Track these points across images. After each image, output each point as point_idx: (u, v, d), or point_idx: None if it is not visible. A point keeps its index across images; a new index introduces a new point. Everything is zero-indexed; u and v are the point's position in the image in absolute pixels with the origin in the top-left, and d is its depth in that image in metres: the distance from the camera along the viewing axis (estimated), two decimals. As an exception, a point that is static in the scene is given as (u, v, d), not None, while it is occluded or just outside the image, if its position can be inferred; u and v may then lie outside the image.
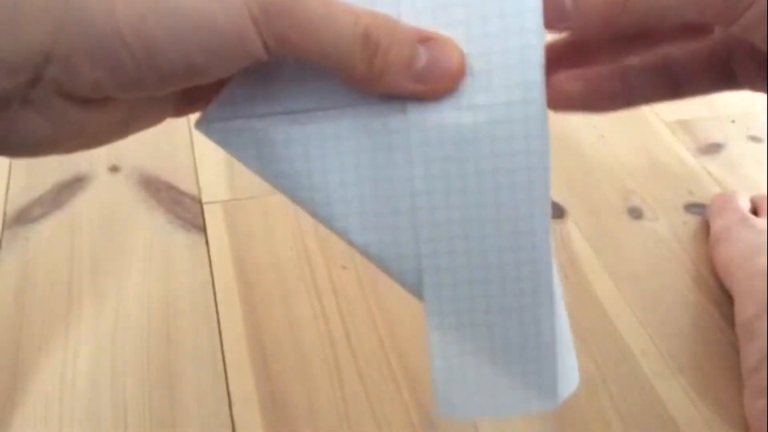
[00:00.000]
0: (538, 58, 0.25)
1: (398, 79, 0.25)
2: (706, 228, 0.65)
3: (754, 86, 0.29)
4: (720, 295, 0.59)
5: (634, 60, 0.31)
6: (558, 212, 0.67)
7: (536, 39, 0.25)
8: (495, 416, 0.27)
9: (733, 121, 0.77)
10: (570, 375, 0.29)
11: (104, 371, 0.52)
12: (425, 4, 0.25)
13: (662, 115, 0.78)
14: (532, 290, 0.27)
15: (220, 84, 0.27)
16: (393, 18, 0.25)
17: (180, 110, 0.29)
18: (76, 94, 0.22)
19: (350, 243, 0.27)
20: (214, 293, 0.57)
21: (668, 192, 0.69)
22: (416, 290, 0.28)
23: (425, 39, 0.25)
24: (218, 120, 0.26)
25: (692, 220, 0.66)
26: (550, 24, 0.25)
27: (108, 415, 0.49)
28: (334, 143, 0.26)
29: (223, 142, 0.26)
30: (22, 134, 0.23)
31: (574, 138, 0.74)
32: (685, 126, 0.76)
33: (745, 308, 0.54)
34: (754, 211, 0.63)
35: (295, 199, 0.27)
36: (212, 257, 0.60)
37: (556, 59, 0.28)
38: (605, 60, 0.30)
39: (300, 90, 0.26)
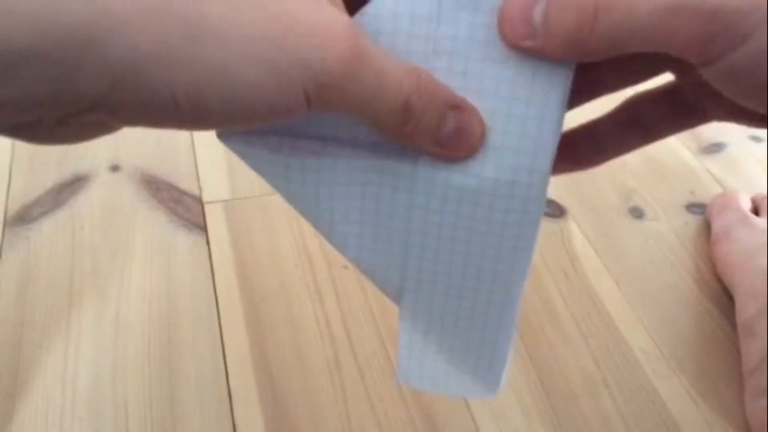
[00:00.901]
0: (550, 150, 0.26)
1: (421, 140, 0.25)
2: (707, 228, 0.65)
3: (725, 119, 0.28)
4: (721, 294, 0.59)
5: (601, 118, 0.31)
6: (559, 212, 0.67)
7: (554, 132, 0.26)
8: (443, 393, 0.33)
9: (734, 121, 0.77)
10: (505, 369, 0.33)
11: (105, 370, 0.52)
12: (460, 67, 0.25)
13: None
14: (497, 319, 0.30)
15: None
16: (434, 80, 0.25)
17: None
18: (112, 125, 0.23)
19: (343, 255, 0.30)
20: (215, 292, 0.57)
21: (669, 192, 0.69)
22: (395, 297, 0.31)
23: (455, 107, 0.25)
24: (240, 133, 0.27)
25: (693, 220, 0.66)
26: (514, 40, 0.24)
27: (109, 413, 0.49)
28: (345, 176, 0.27)
29: (242, 155, 0.28)
30: (42, 139, 0.23)
31: (575, 137, 0.74)
32: (686, 126, 0.76)
33: (746, 308, 0.54)
34: (755, 211, 0.63)
35: (299, 212, 0.29)
36: (213, 256, 0.60)
37: None
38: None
39: (323, 115, 0.27)
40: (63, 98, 0.20)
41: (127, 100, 0.21)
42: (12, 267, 0.59)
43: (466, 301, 0.30)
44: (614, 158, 0.31)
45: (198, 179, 0.67)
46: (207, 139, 0.70)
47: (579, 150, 0.31)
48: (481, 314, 0.30)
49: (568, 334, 0.56)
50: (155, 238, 0.62)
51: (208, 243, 0.61)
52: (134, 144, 0.69)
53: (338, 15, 0.23)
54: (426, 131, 0.25)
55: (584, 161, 0.31)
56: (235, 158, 0.27)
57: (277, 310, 0.56)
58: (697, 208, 0.68)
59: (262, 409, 0.50)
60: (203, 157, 0.70)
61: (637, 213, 0.67)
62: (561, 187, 0.69)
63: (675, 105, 0.29)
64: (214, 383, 0.51)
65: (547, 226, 0.65)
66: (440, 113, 0.25)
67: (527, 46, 0.24)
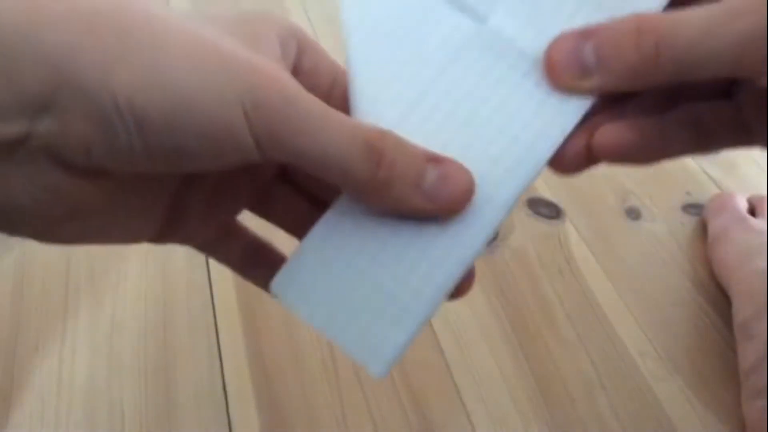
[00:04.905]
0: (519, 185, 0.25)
1: (407, 193, 0.24)
2: (704, 229, 0.65)
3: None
4: (718, 296, 0.59)
5: (669, 115, 0.29)
6: (555, 213, 0.67)
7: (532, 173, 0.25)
8: (322, 331, 0.26)
9: (730, 122, 0.77)
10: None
11: (101, 371, 0.51)
12: (429, 127, 0.25)
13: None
14: (421, 291, 0.25)
15: (203, 216, 0.29)
16: (396, 133, 0.24)
17: (163, 234, 0.28)
18: (66, 157, 0.21)
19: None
20: (212, 294, 0.57)
21: (666, 193, 0.69)
22: None
23: (433, 159, 0.24)
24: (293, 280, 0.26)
25: (690, 221, 0.66)
26: (568, 83, 0.24)
27: (105, 415, 0.49)
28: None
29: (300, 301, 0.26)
30: (1, 198, 0.21)
31: (571, 138, 0.74)
32: (682, 127, 0.76)
33: (743, 309, 0.54)
34: (752, 212, 0.63)
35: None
36: (209, 257, 0.60)
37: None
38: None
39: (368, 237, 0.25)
40: (10, 99, 0.20)
41: (73, 101, 0.20)
42: (7, 268, 0.58)
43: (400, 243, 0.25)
44: (670, 159, 0.29)
45: (194, 180, 0.67)
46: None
47: (657, 139, 0.27)
48: (410, 264, 0.25)
49: (565, 336, 0.56)
50: (151, 239, 0.61)
51: (204, 244, 0.61)
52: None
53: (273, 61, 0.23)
54: (407, 181, 0.23)
55: (655, 152, 0.28)
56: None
57: (273, 310, 0.56)
58: (693, 209, 0.68)
59: (258, 410, 0.50)
60: (200, 158, 0.70)
61: (633, 214, 0.67)
62: (557, 188, 0.68)
63: (732, 120, 0.28)
64: (210, 384, 0.51)
65: (543, 227, 0.65)
66: (417, 161, 0.24)
67: (586, 87, 0.24)
